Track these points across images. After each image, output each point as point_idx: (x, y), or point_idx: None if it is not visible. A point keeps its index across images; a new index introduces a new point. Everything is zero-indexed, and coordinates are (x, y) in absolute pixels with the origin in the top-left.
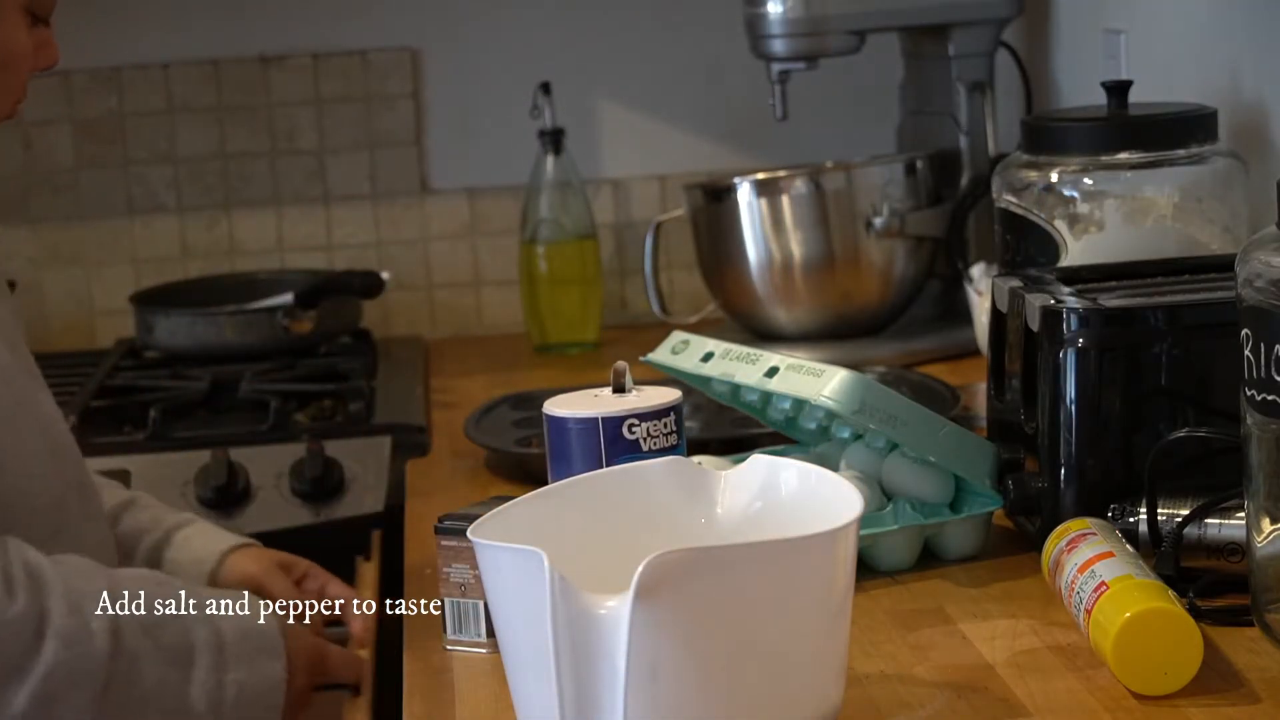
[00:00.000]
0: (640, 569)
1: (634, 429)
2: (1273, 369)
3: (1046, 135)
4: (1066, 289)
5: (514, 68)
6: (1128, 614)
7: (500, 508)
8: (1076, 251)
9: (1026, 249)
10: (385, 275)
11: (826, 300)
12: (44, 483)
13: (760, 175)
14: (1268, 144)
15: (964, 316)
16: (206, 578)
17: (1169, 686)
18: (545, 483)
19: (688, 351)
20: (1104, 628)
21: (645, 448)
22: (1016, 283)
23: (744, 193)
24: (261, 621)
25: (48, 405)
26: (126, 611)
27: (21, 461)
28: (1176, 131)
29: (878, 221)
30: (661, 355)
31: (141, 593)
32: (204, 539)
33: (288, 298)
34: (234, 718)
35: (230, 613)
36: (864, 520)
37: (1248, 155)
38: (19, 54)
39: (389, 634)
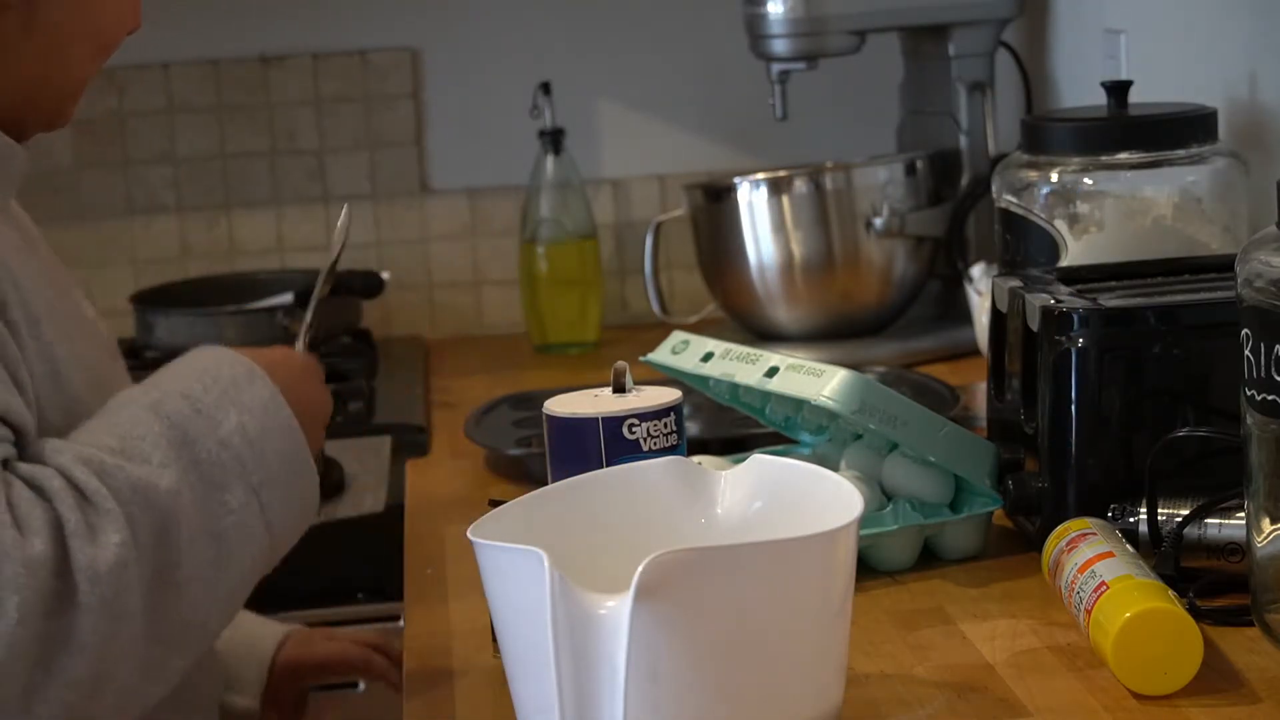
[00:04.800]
0: (640, 569)
1: (634, 429)
2: (1273, 369)
3: (1046, 135)
4: (1066, 289)
5: (514, 68)
6: (1128, 614)
7: (500, 508)
8: (1076, 251)
9: (1026, 249)
10: (385, 275)
11: (826, 300)
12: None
13: (760, 175)
14: (1268, 144)
15: (964, 316)
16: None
17: (1169, 686)
18: (545, 483)
19: (688, 351)
20: (1104, 628)
21: (645, 448)
22: (1016, 283)
23: (744, 193)
24: (215, 357)
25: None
26: (100, 457)
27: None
28: (1176, 131)
29: (878, 221)
30: (661, 355)
31: (96, 432)
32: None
33: (288, 298)
34: (259, 464)
35: (175, 371)
36: (864, 520)
37: (1248, 155)
38: (123, 16)
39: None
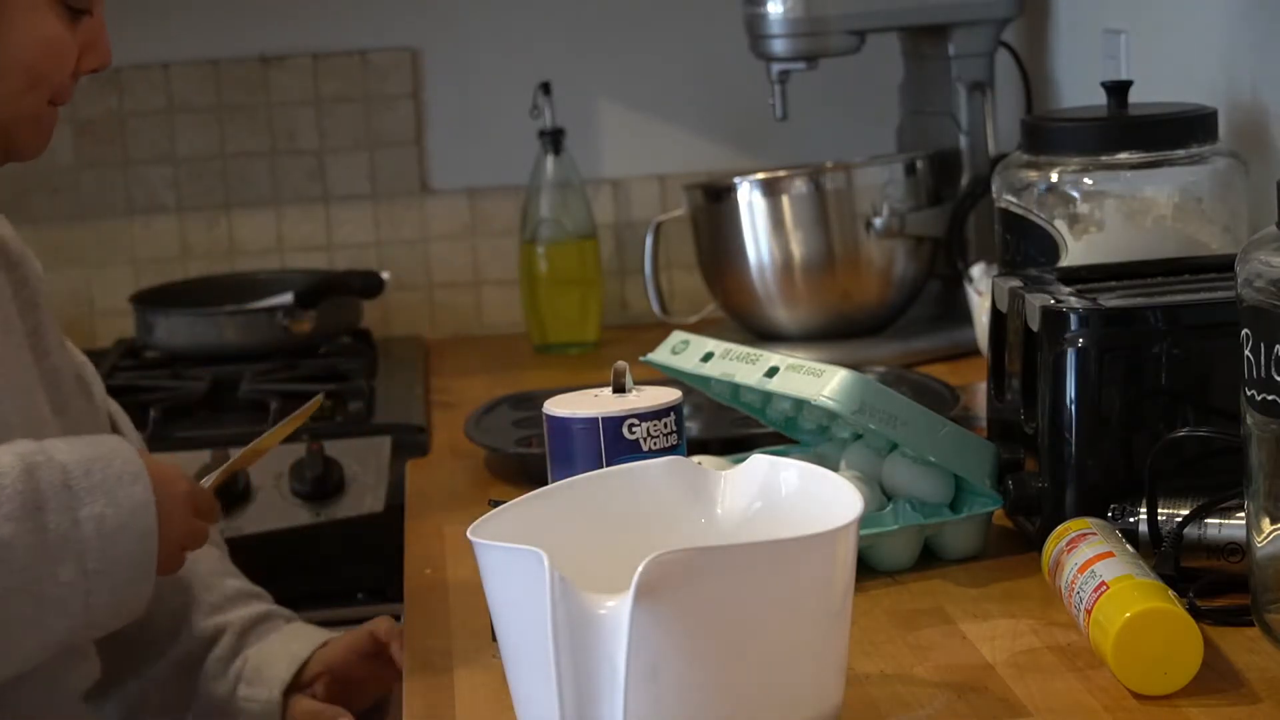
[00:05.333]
0: (640, 569)
1: (634, 429)
2: (1273, 369)
3: (1046, 135)
4: (1066, 289)
5: (514, 68)
6: (1128, 614)
7: (500, 508)
8: (1076, 251)
9: (1026, 249)
10: (385, 275)
11: (826, 300)
12: None
13: (760, 175)
14: (1268, 144)
15: (964, 316)
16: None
17: (1169, 686)
18: (545, 483)
19: (688, 351)
20: (1104, 628)
21: (645, 448)
22: (1016, 283)
23: (744, 193)
24: (114, 449)
25: (35, 399)
26: None
27: None
28: (1176, 131)
29: (878, 221)
30: (661, 355)
31: None
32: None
33: (288, 298)
34: (101, 555)
35: (72, 445)
36: (864, 520)
37: (1248, 155)
38: (52, 50)
39: None
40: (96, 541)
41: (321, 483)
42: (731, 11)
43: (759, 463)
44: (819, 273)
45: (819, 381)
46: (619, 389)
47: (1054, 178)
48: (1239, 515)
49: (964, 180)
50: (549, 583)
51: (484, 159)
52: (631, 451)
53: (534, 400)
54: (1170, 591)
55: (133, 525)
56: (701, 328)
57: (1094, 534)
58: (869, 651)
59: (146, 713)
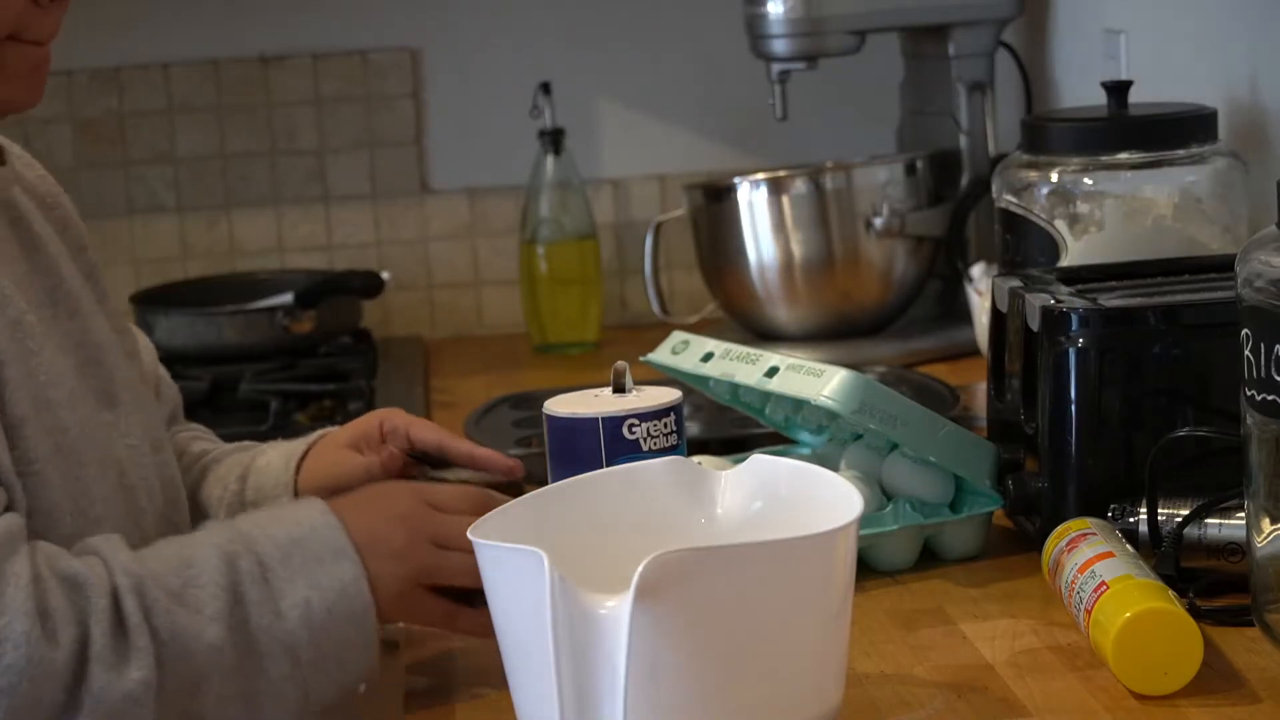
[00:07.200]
0: (640, 569)
1: (634, 429)
2: (1273, 369)
3: (1046, 135)
4: (1066, 289)
5: (514, 68)
6: (1128, 614)
7: (500, 508)
8: (1076, 251)
9: (1026, 249)
10: (385, 275)
11: (826, 300)
12: (112, 526)
13: (760, 175)
14: (1268, 144)
15: (964, 316)
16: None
17: (1169, 686)
18: (545, 483)
19: (688, 351)
20: (1104, 628)
21: (645, 448)
22: (1016, 283)
23: (744, 193)
24: (313, 525)
25: (124, 435)
26: (154, 594)
27: (84, 503)
28: (1176, 131)
29: (878, 221)
30: (661, 355)
31: (165, 565)
32: (273, 469)
33: (288, 298)
34: (313, 645)
35: (268, 528)
36: (864, 520)
37: (1248, 155)
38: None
39: None
40: (305, 632)
41: None
42: (731, 11)
43: (759, 463)
44: (819, 273)
45: (819, 381)
46: (619, 389)
47: (1054, 178)
48: (1239, 515)
49: (964, 180)
50: (549, 583)
51: (484, 159)
52: (631, 451)
53: (534, 400)
54: (1170, 591)
55: (340, 607)
56: (701, 328)
57: (1094, 534)
58: (869, 651)
59: None
